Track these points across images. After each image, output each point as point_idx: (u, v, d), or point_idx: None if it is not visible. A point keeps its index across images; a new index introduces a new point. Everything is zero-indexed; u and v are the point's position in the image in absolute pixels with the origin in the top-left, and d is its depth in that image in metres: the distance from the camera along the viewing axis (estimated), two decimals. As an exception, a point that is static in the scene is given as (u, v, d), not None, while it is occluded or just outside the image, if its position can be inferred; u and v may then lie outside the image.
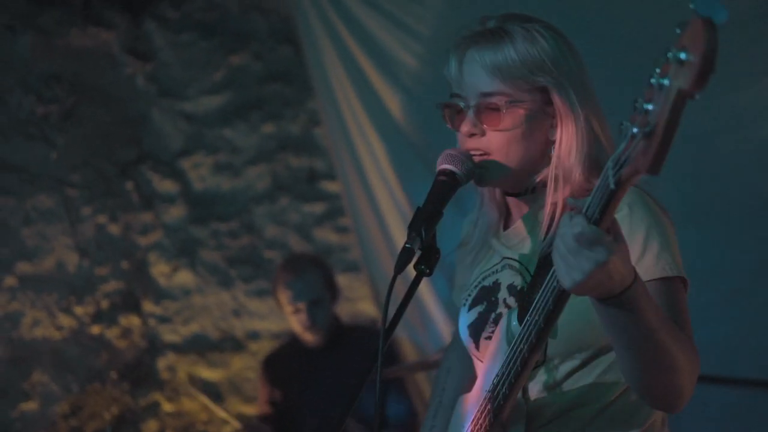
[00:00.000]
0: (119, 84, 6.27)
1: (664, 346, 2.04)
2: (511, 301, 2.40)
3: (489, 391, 2.32)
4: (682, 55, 1.62)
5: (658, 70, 1.68)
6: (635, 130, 1.72)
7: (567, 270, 1.93)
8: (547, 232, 2.34)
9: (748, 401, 4.34)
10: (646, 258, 2.21)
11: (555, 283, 2.05)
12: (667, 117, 1.66)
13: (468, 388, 2.57)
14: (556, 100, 2.33)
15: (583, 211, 1.91)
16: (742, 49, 4.11)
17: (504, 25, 2.35)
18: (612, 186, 1.82)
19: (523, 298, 2.34)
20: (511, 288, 2.42)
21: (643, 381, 2.12)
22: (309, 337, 5.27)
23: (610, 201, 1.85)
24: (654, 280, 2.19)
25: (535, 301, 2.12)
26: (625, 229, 2.18)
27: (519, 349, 2.19)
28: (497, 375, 2.28)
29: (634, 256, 2.16)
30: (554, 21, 2.43)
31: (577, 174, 2.32)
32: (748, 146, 4.22)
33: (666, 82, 1.66)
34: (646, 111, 1.70)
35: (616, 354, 2.15)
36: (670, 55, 1.65)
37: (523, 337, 2.17)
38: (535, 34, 2.33)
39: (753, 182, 4.23)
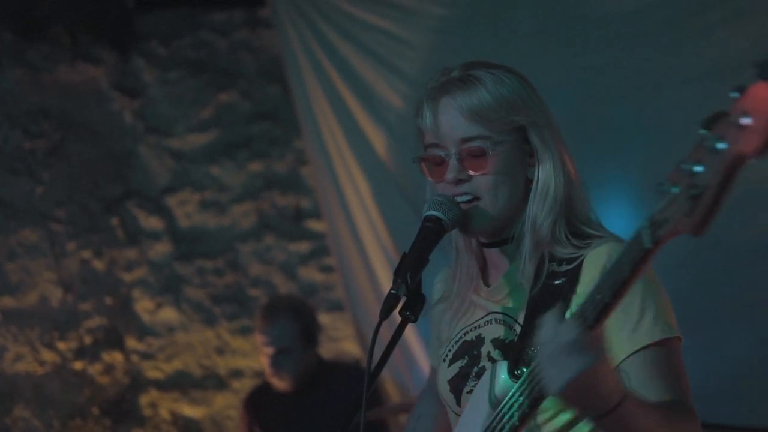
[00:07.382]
0: (106, 120, 6.28)
1: None
2: (496, 354, 2.40)
3: None
4: (743, 120, 1.60)
5: (706, 132, 1.67)
6: (676, 190, 1.72)
7: (555, 372, 1.94)
8: (535, 280, 2.35)
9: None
10: (644, 321, 2.23)
11: (536, 387, 2.08)
12: (720, 180, 1.64)
13: None
14: (533, 138, 2.36)
15: (595, 288, 1.93)
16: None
17: (469, 72, 2.38)
18: (649, 245, 1.81)
19: (514, 349, 2.32)
20: (496, 341, 2.42)
21: None
22: (275, 382, 5.29)
23: (641, 261, 1.85)
24: (654, 343, 2.21)
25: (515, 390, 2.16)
26: None
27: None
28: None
29: (632, 320, 2.20)
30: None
31: (548, 221, 2.34)
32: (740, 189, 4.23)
33: (722, 145, 1.63)
34: (693, 173, 1.68)
35: None
36: (730, 118, 1.63)
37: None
38: (501, 77, 2.36)
39: (744, 224, 4.24)
